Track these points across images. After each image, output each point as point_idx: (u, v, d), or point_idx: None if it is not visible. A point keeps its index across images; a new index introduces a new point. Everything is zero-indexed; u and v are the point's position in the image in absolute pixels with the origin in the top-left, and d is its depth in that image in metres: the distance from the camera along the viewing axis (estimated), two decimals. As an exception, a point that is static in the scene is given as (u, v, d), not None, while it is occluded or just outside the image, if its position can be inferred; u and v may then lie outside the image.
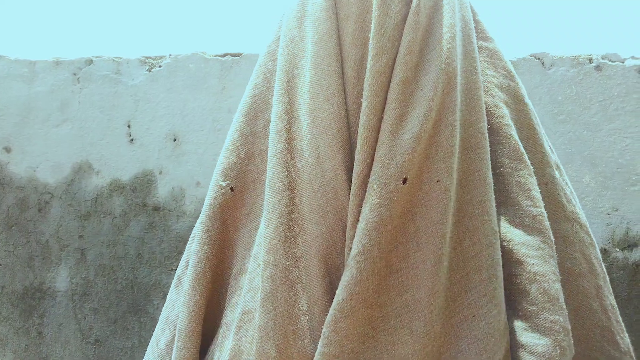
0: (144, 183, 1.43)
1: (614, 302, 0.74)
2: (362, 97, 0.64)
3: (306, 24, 0.72)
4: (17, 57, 1.54)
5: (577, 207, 0.76)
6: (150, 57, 1.49)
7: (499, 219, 0.67)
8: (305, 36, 0.71)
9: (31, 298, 1.43)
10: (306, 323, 0.60)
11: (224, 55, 1.47)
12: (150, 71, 1.47)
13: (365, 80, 0.64)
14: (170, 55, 1.48)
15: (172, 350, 0.71)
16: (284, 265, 0.62)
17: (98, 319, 1.39)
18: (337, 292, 0.59)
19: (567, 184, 0.77)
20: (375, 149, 0.62)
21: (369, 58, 0.65)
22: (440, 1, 0.68)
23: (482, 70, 0.74)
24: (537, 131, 0.75)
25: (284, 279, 0.61)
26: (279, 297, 0.61)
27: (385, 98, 0.63)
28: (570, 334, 0.63)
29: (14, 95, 1.51)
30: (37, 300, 1.42)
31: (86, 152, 1.46)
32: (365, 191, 0.61)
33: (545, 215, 0.68)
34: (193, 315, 0.68)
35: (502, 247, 0.66)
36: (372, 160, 0.62)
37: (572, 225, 0.73)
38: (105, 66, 1.49)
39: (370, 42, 0.64)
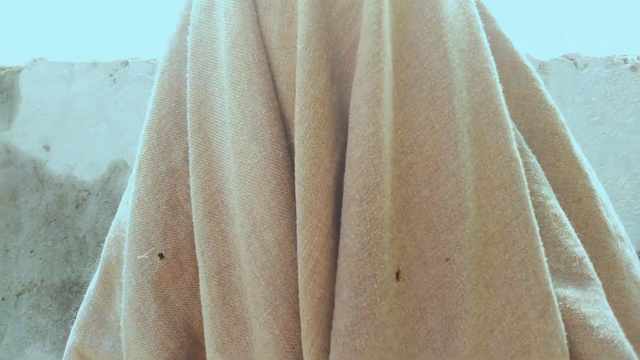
0: (177, 181, 1.46)
1: None
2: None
3: (216, 17, 0.50)
4: (56, 59, 1.60)
5: (616, 218, 0.62)
6: (183, 59, 1.53)
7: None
8: (216, 35, 0.49)
9: (69, 291, 1.48)
10: None
11: (256, 57, 1.50)
12: (183, 72, 1.51)
13: (296, 111, 0.42)
14: (203, 56, 1.52)
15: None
16: None
17: (132, 313, 1.43)
18: None
19: (602, 190, 0.62)
20: (324, 220, 0.42)
21: (299, 75, 0.41)
22: None
23: None
24: (562, 134, 0.58)
25: None
26: None
27: (330, 136, 0.42)
28: None
29: (53, 95, 1.57)
30: (74, 294, 1.47)
31: (121, 151, 1.50)
32: (322, 286, 0.42)
33: (587, 255, 0.54)
34: None
35: (561, 305, 0.51)
36: (326, 237, 0.42)
37: (617, 245, 0.58)
38: (140, 68, 1.53)
39: (300, 51, 0.41)
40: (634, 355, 0.51)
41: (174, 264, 0.52)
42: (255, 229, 0.44)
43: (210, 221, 0.47)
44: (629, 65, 1.36)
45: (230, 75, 0.46)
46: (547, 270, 0.48)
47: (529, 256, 0.47)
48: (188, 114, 0.52)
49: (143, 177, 0.54)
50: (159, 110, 0.55)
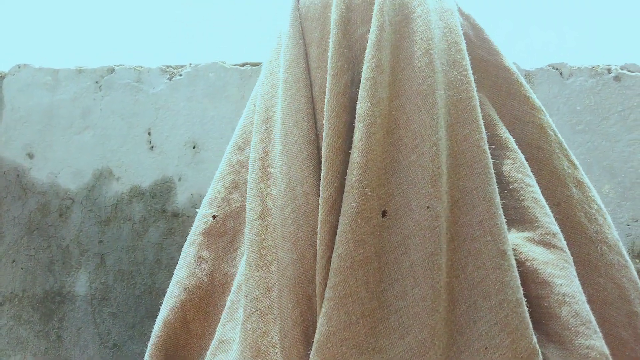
0: (164, 189, 1.44)
1: None
2: None
3: (281, 54, 0.72)
4: (40, 65, 1.57)
5: (605, 226, 0.70)
6: (170, 66, 1.52)
7: (518, 237, 0.63)
8: (279, 66, 0.71)
9: (51, 302, 1.45)
10: (276, 356, 0.57)
11: (243, 65, 1.49)
12: (170, 80, 1.50)
13: (325, 101, 0.62)
14: (190, 64, 1.51)
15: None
16: (254, 295, 0.60)
17: (116, 323, 1.41)
18: (319, 338, 0.55)
19: (592, 200, 0.71)
20: (341, 173, 0.59)
21: (328, 79, 0.63)
22: (411, 14, 0.65)
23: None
24: (545, 148, 0.70)
25: (254, 309, 0.60)
26: (249, 328, 0.59)
27: (348, 119, 0.61)
28: (609, 358, 0.58)
29: (37, 102, 1.55)
30: (56, 304, 1.44)
31: (107, 159, 1.48)
32: (336, 218, 0.57)
33: (561, 234, 0.65)
34: (162, 326, 0.68)
35: (525, 266, 0.61)
36: (341, 185, 0.59)
37: (597, 247, 0.68)
38: (126, 75, 1.52)
39: (329, 62, 0.63)
40: (592, 316, 0.58)
41: (220, 225, 0.71)
42: (289, 185, 0.62)
43: (260, 183, 0.65)
44: (612, 75, 1.38)
45: (285, 87, 0.67)
46: (505, 232, 0.59)
47: (485, 219, 0.59)
48: (255, 117, 0.71)
49: (221, 164, 0.75)
50: (244, 121, 0.77)
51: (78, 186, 1.48)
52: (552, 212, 0.66)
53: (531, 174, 0.67)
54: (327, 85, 0.62)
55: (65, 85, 1.54)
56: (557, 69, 1.41)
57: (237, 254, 0.70)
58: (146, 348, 1.34)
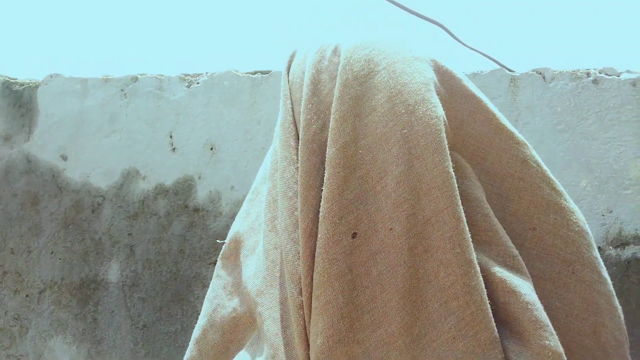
0: (185, 187, 1.60)
1: (621, 337, 0.74)
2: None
3: (279, 115, 0.86)
4: (70, 75, 1.74)
5: (584, 247, 0.76)
6: (189, 75, 1.67)
7: (485, 257, 0.71)
8: (277, 124, 0.85)
9: (87, 288, 1.62)
10: (297, 345, 0.71)
11: (255, 73, 1.64)
12: (189, 87, 1.65)
13: (299, 148, 0.72)
14: (206, 73, 1.66)
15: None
16: (268, 306, 0.74)
17: (146, 307, 1.57)
18: (312, 338, 0.67)
19: (573, 223, 0.77)
20: (315, 207, 0.70)
21: (300, 129, 0.73)
22: (376, 67, 0.73)
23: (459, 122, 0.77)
24: (525, 180, 0.77)
25: (267, 316, 0.73)
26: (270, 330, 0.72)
27: (319, 161, 0.72)
28: (563, 356, 0.66)
29: (68, 109, 1.71)
30: (92, 290, 1.61)
31: (133, 160, 1.64)
32: (314, 244, 0.68)
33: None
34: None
35: (495, 277, 0.69)
36: (315, 216, 0.69)
37: (568, 267, 0.76)
38: (148, 83, 1.68)
39: (301, 115, 0.74)
40: (548, 320, 0.67)
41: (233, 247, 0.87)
42: (282, 217, 0.74)
43: (268, 212, 0.80)
44: (591, 78, 1.51)
45: (279, 141, 0.80)
46: (471, 246, 0.68)
47: (455, 234, 0.68)
48: (269, 164, 0.86)
49: (246, 201, 0.91)
50: (262, 169, 0.91)
51: (108, 185, 1.65)
52: (527, 236, 0.76)
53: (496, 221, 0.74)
54: (300, 134, 0.73)
55: (93, 93, 1.70)
56: (540, 73, 1.54)
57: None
58: (172, 327, 1.52)
